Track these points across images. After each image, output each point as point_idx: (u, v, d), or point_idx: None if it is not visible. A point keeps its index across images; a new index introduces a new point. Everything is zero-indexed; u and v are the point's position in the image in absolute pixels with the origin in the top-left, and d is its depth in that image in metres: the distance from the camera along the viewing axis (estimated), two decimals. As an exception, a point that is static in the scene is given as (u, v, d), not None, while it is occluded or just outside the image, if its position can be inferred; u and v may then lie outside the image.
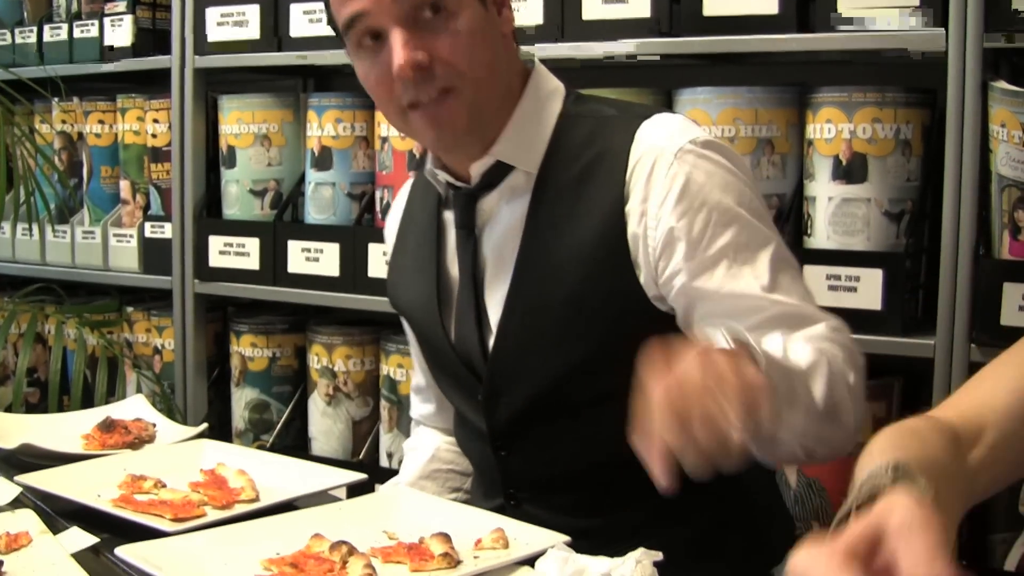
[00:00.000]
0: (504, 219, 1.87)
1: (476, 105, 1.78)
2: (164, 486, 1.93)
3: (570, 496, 1.92)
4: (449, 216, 1.96)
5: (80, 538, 1.72)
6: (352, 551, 1.59)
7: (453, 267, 1.95)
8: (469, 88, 1.76)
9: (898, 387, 2.52)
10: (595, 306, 1.79)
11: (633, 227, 1.76)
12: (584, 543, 1.81)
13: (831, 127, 2.42)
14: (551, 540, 1.63)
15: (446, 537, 1.63)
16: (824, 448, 1.63)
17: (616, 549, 1.58)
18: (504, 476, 1.96)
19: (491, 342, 1.88)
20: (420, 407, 2.23)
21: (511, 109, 1.85)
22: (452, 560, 1.59)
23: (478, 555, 1.63)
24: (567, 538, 1.63)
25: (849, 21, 2.36)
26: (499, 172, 1.86)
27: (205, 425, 2.37)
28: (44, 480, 1.93)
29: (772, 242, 1.76)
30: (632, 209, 1.76)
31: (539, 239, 1.82)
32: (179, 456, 2.12)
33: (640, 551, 1.52)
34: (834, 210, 2.42)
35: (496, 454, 1.94)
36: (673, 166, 1.74)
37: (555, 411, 1.87)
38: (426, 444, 2.20)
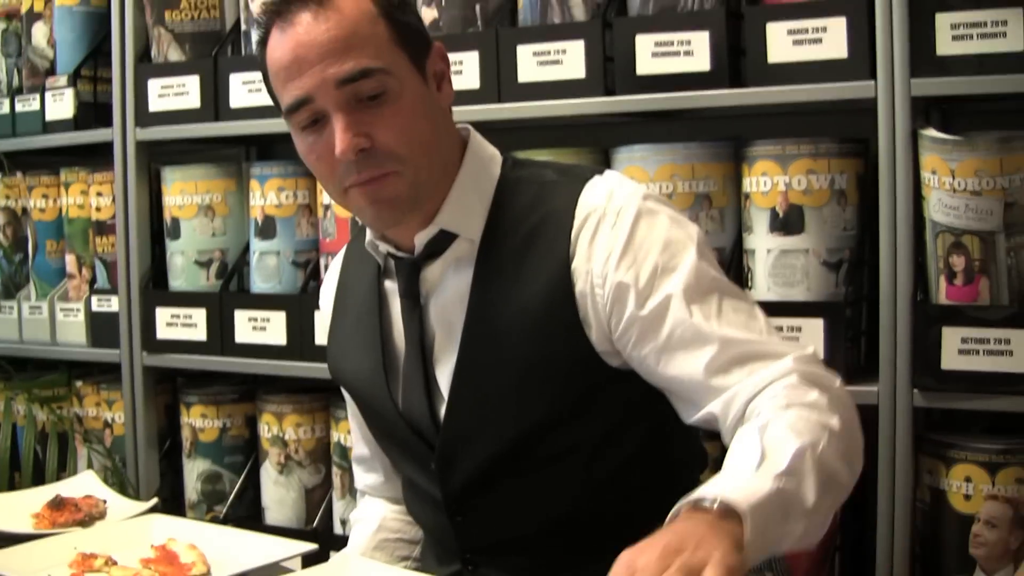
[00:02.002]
0: (449, 287, 1.88)
1: (416, 184, 1.80)
2: (115, 563, 1.93)
3: (527, 557, 1.92)
4: (390, 286, 1.96)
5: (30, 620, 1.72)
6: (302, 623, 1.60)
7: (398, 337, 1.95)
8: (410, 169, 1.78)
9: (844, 434, 2.54)
10: (546, 369, 1.80)
11: (580, 286, 1.77)
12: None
13: (767, 179, 2.45)
14: (501, 604, 1.64)
15: (396, 605, 1.63)
16: (834, 510, 1.60)
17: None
18: (460, 541, 1.96)
19: (442, 411, 1.88)
20: (365, 477, 2.23)
21: (451, 179, 1.86)
22: (402, 629, 1.59)
23: (428, 622, 1.63)
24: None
25: (780, 75, 2.40)
26: (443, 241, 1.87)
27: (155, 500, 2.37)
28: (-7, 562, 1.92)
29: (721, 282, 1.78)
30: (578, 268, 1.78)
31: (486, 306, 1.83)
32: (129, 532, 2.11)
33: None
34: (773, 262, 2.45)
35: (451, 520, 1.94)
36: (617, 224, 1.77)
37: (510, 474, 1.87)
38: (372, 514, 2.19)
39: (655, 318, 1.74)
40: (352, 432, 2.22)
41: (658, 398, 1.80)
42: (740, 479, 1.45)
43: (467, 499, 1.91)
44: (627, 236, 1.76)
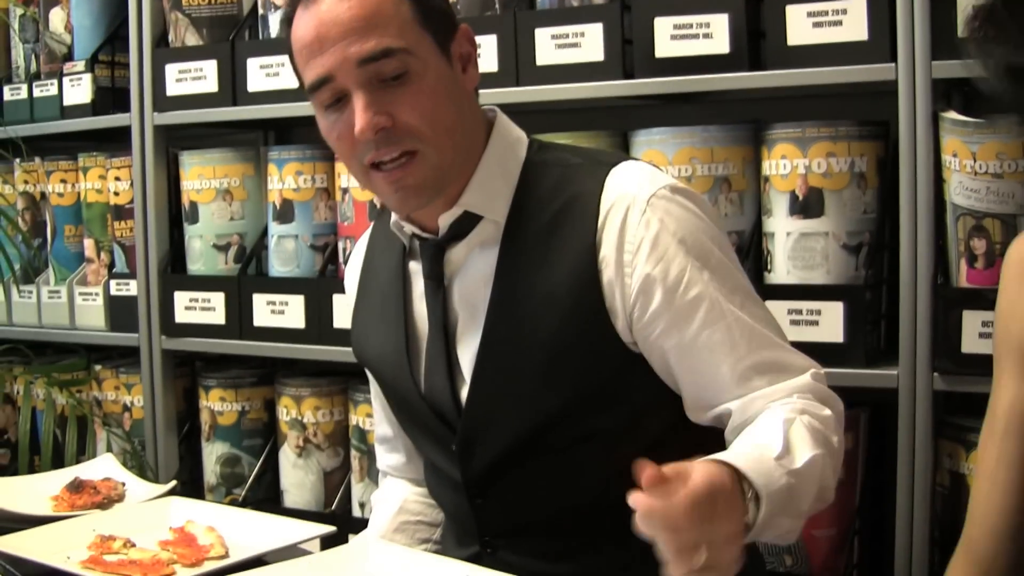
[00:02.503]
0: (473, 269, 1.87)
1: (439, 166, 1.79)
2: (133, 545, 1.93)
3: (547, 541, 1.92)
4: (415, 267, 1.96)
5: (49, 602, 1.72)
6: (321, 605, 1.60)
7: (421, 318, 1.94)
8: (432, 150, 1.77)
9: (864, 418, 2.54)
10: (571, 353, 1.79)
11: (609, 275, 1.77)
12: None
13: (786, 163, 2.44)
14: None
15: (414, 587, 1.63)
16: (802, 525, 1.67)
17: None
18: (480, 524, 1.95)
19: (463, 393, 1.88)
20: (388, 457, 2.23)
21: (476, 160, 1.86)
22: (421, 610, 1.59)
23: (447, 604, 1.63)
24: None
25: (800, 58, 2.39)
26: (467, 222, 1.86)
27: (174, 482, 2.37)
28: (13, 543, 1.92)
29: (745, 287, 1.80)
30: (606, 256, 1.77)
31: (510, 288, 1.83)
32: (148, 514, 2.11)
33: None
34: (793, 245, 2.44)
35: (471, 502, 1.94)
36: (646, 213, 1.76)
37: (532, 458, 1.86)
38: (393, 496, 2.19)
39: (682, 315, 1.75)
40: (375, 412, 2.22)
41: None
42: (763, 465, 1.52)
43: (487, 482, 1.91)
44: (658, 228, 1.76)
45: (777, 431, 1.60)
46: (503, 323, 1.83)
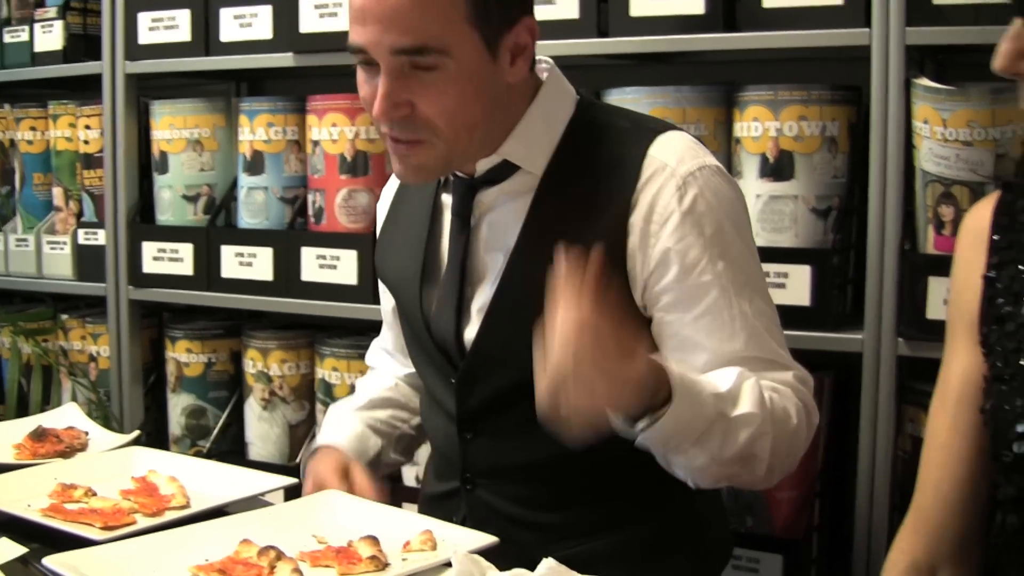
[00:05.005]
0: (502, 214, 1.89)
1: (447, 156, 1.81)
2: (95, 494, 1.93)
3: (526, 488, 1.93)
4: (446, 199, 1.97)
5: (9, 549, 1.71)
6: (280, 556, 1.60)
7: (443, 250, 1.96)
8: (443, 143, 1.78)
9: (828, 382, 2.55)
10: None
11: (634, 240, 1.79)
12: (532, 535, 1.83)
13: (758, 125, 2.44)
14: (478, 541, 1.64)
15: (374, 540, 1.64)
16: (726, 482, 1.75)
17: (562, 545, 1.68)
18: (464, 459, 1.98)
19: (467, 332, 1.90)
20: (387, 363, 2.29)
21: (521, 114, 1.86)
22: (380, 563, 1.60)
23: (406, 557, 1.64)
24: (495, 539, 1.64)
25: (774, 20, 2.39)
26: (504, 170, 1.88)
27: (138, 432, 2.36)
28: (-27, 491, 1.92)
29: (758, 282, 1.83)
30: (634, 223, 1.79)
31: (537, 237, 1.83)
32: (110, 464, 2.11)
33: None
34: (762, 207, 2.44)
35: (460, 436, 1.96)
36: (681, 188, 1.78)
37: (526, 401, 1.85)
38: (389, 373, 2.27)
39: (691, 296, 1.77)
40: (385, 323, 2.28)
41: None
42: (702, 389, 1.63)
43: (480, 418, 1.94)
44: (689, 205, 1.77)
45: (729, 378, 1.66)
46: (525, 270, 1.82)
